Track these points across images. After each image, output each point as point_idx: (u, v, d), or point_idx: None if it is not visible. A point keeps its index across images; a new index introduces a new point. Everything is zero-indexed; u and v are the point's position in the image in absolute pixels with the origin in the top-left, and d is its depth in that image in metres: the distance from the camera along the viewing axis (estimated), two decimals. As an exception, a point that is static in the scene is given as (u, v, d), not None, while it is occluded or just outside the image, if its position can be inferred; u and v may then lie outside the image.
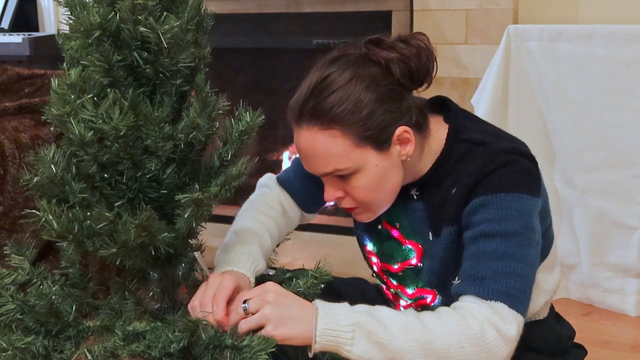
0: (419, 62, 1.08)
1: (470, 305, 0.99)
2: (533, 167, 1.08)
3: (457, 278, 1.08)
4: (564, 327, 1.28)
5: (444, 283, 1.14)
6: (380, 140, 1.06)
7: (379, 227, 1.23)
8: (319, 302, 0.97)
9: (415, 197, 1.17)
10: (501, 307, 0.98)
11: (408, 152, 1.09)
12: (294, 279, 1.12)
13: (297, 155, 1.25)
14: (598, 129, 2.00)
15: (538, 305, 1.21)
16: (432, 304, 1.20)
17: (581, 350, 1.28)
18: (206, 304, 1.00)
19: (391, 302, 1.30)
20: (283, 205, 1.28)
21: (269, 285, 0.99)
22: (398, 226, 1.20)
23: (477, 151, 1.09)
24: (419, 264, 1.19)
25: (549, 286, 1.21)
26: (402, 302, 1.27)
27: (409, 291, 1.23)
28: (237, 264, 1.09)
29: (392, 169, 1.09)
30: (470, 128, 1.13)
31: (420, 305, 1.23)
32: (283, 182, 1.30)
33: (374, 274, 1.30)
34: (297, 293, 1.09)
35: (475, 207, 1.05)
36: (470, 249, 1.05)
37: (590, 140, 2.02)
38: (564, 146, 2.07)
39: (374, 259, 1.27)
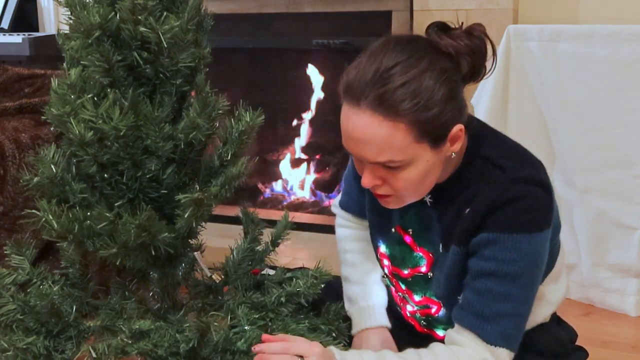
0: (482, 57, 1.05)
1: (474, 350, 1.05)
2: (547, 198, 1.07)
3: (459, 299, 1.10)
4: (565, 329, 1.28)
5: (448, 297, 1.14)
6: (438, 138, 1.03)
7: (393, 230, 1.22)
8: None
9: (428, 204, 1.16)
10: (501, 352, 1.05)
11: (455, 148, 1.06)
12: (294, 279, 1.12)
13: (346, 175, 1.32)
14: (598, 129, 2.00)
15: (543, 317, 1.21)
16: (436, 315, 1.20)
17: (582, 352, 1.28)
18: None
19: (398, 306, 1.30)
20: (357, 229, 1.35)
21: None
22: (411, 232, 1.20)
23: (494, 175, 1.07)
24: (428, 273, 1.18)
25: (555, 297, 1.22)
26: (409, 308, 1.26)
27: (416, 298, 1.22)
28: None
29: (437, 166, 1.07)
30: (489, 143, 1.11)
31: (425, 314, 1.23)
32: (344, 207, 1.37)
33: (385, 276, 1.30)
34: (297, 293, 1.09)
35: (487, 241, 1.05)
36: (478, 283, 1.06)
37: (590, 140, 2.01)
38: (564, 146, 2.06)
39: (386, 262, 1.26)
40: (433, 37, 1.04)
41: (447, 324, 1.17)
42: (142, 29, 0.93)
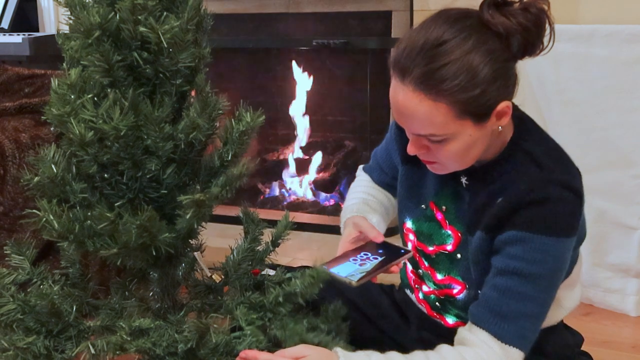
0: (537, 34, 1.04)
1: (484, 350, 1.05)
2: (576, 205, 1.07)
3: (479, 291, 1.10)
4: (572, 334, 1.29)
5: (471, 281, 1.15)
6: (481, 115, 1.04)
7: (424, 206, 1.23)
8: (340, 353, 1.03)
9: (464, 186, 1.17)
10: (514, 352, 1.05)
11: (502, 123, 1.07)
12: (293, 279, 1.12)
13: (376, 149, 1.37)
14: (598, 129, 2.00)
15: (555, 321, 1.22)
16: (458, 296, 1.20)
17: (587, 358, 1.28)
18: None
19: (410, 288, 1.30)
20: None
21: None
22: (444, 209, 1.20)
23: (531, 171, 1.08)
24: (454, 252, 1.18)
25: (570, 304, 1.22)
26: (425, 288, 1.26)
27: (439, 276, 1.22)
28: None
29: (482, 139, 1.07)
30: (534, 139, 1.12)
31: (444, 294, 1.23)
32: (368, 171, 1.43)
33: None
34: (295, 293, 1.09)
35: (514, 239, 1.06)
36: (500, 280, 1.07)
37: (590, 140, 2.02)
38: (564, 146, 2.06)
39: (411, 237, 1.26)
40: (485, 15, 1.03)
41: (462, 309, 1.18)
42: (142, 29, 0.93)
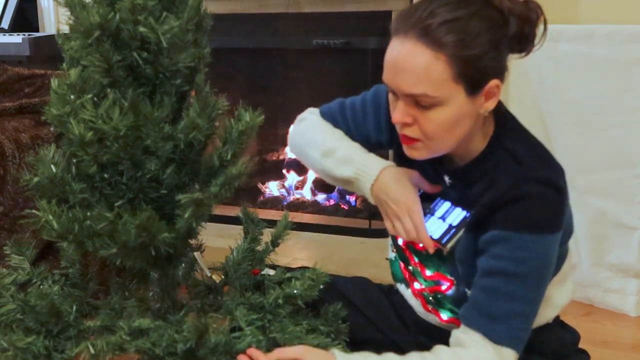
0: (532, 28, 1.07)
1: (479, 350, 1.06)
2: (558, 201, 1.07)
3: (466, 289, 1.11)
4: (568, 332, 1.29)
5: (459, 279, 1.15)
6: (475, 85, 1.04)
7: None
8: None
9: (448, 185, 1.17)
10: (507, 352, 1.06)
11: (489, 106, 1.07)
12: (293, 280, 1.12)
13: (345, 101, 1.28)
14: (598, 129, 2.00)
15: (546, 319, 1.22)
16: (446, 292, 1.20)
17: (584, 355, 1.28)
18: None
19: (404, 283, 1.30)
20: None
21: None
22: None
23: (511, 169, 1.08)
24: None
25: (561, 301, 1.22)
26: (417, 285, 1.26)
27: (428, 273, 1.22)
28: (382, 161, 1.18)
29: (469, 117, 1.07)
30: (515, 137, 1.12)
31: (434, 291, 1.23)
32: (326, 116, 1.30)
33: (396, 249, 1.29)
34: (294, 296, 1.09)
35: (497, 239, 1.06)
36: (486, 281, 1.07)
37: (590, 140, 2.02)
38: (564, 146, 2.07)
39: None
40: None
41: (455, 304, 1.18)
42: (141, 29, 0.93)
